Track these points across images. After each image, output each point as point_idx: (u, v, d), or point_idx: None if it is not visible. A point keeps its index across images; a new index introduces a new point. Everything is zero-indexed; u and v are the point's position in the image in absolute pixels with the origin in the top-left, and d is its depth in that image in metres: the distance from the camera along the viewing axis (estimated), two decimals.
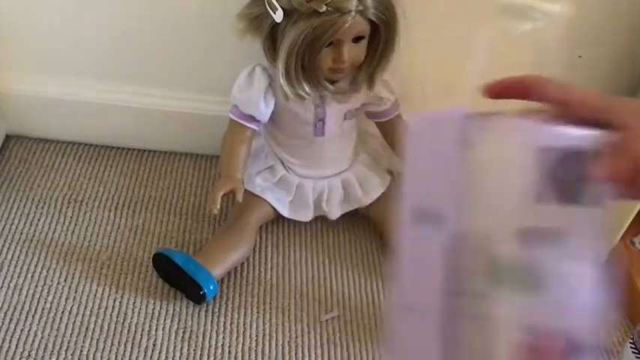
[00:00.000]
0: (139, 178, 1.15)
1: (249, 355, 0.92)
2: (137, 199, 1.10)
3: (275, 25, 0.86)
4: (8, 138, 1.17)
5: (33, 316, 0.92)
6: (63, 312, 0.93)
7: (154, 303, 0.96)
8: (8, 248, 1.00)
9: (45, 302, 0.94)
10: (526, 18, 0.36)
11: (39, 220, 1.05)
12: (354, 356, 0.93)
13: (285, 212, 1.05)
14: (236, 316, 0.96)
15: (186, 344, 0.92)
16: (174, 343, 0.91)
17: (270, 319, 0.96)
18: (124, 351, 0.90)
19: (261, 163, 1.05)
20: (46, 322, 0.91)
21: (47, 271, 0.97)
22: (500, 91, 0.38)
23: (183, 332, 0.93)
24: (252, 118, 0.97)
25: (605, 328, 0.33)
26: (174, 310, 0.95)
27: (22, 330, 0.90)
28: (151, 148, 1.19)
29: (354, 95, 0.96)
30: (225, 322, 0.95)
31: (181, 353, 0.90)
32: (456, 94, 1.09)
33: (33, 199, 1.08)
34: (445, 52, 1.07)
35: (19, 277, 0.96)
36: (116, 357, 0.89)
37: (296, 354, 0.93)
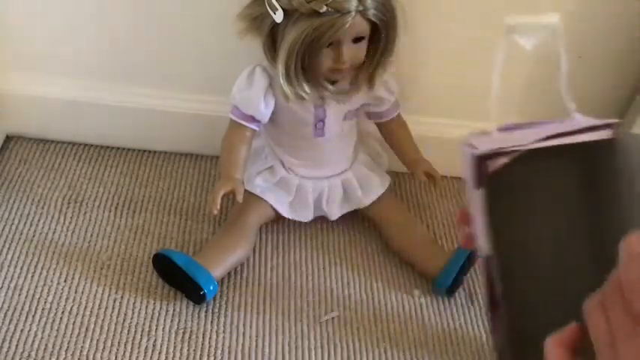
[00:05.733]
0: (139, 178, 1.15)
1: (249, 356, 0.92)
2: (137, 200, 1.10)
3: (275, 26, 0.86)
4: (8, 138, 1.17)
5: (33, 317, 0.92)
6: (63, 312, 0.93)
7: (154, 303, 0.96)
8: (8, 248, 1.00)
9: (45, 302, 0.94)
10: (531, 34, 0.37)
11: (39, 220, 1.05)
12: (354, 356, 0.93)
13: (285, 212, 1.05)
14: (236, 316, 0.96)
15: (186, 344, 0.92)
16: (174, 343, 0.91)
17: (270, 319, 0.96)
18: (124, 351, 0.90)
19: (261, 164, 1.05)
20: (46, 323, 0.91)
21: (47, 271, 0.97)
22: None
23: (183, 332, 0.93)
24: (252, 119, 0.97)
25: None
26: (174, 310, 0.95)
27: (22, 330, 0.90)
28: (151, 148, 1.19)
29: (354, 95, 0.96)
30: (225, 322, 0.95)
31: (181, 353, 0.90)
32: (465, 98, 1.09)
33: (33, 199, 1.08)
34: (445, 55, 1.07)
35: (19, 277, 0.96)
36: (116, 357, 0.89)
37: (296, 354, 0.93)
